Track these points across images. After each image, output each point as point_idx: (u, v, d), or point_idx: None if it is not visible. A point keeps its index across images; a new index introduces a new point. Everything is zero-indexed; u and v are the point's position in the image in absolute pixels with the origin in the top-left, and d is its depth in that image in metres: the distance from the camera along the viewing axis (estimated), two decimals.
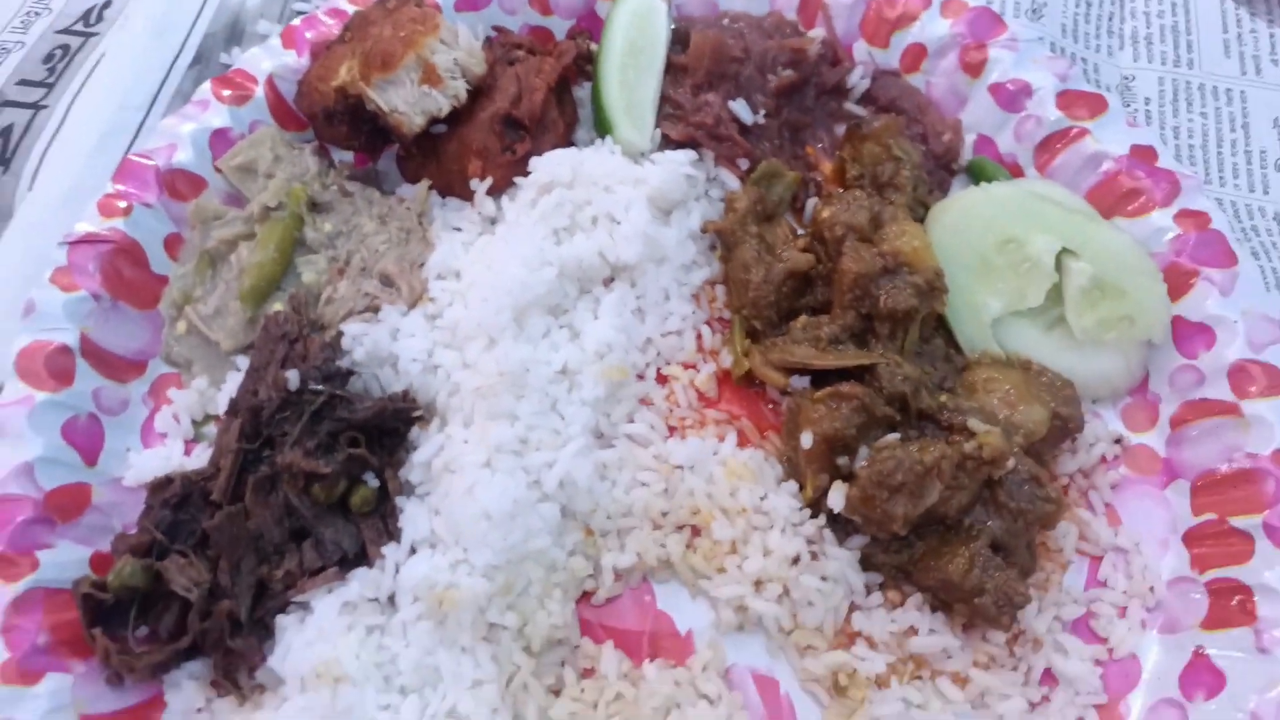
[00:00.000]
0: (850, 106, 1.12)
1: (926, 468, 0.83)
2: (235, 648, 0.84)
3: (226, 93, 1.05)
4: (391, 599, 0.85)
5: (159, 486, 0.88)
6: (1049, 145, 1.06)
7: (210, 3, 1.18)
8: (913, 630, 0.87)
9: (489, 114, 0.99)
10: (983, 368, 0.94)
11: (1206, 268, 0.97)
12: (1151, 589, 0.90)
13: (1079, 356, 0.96)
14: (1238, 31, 1.20)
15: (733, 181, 1.05)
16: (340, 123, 1.00)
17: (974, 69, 1.08)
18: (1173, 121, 1.15)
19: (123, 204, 0.98)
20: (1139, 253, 0.97)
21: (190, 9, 1.16)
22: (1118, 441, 0.96)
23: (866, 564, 0.89)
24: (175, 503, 0.87)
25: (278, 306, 0.94)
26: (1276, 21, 1.21)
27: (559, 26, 1.17)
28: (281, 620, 0.85)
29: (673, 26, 1.10)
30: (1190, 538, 0.91)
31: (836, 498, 0.86)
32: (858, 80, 1.11)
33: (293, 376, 0.86)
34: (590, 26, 1.15)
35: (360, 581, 0.85)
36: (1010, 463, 0.86)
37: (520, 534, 0.84)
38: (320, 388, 0.87)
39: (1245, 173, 1.11)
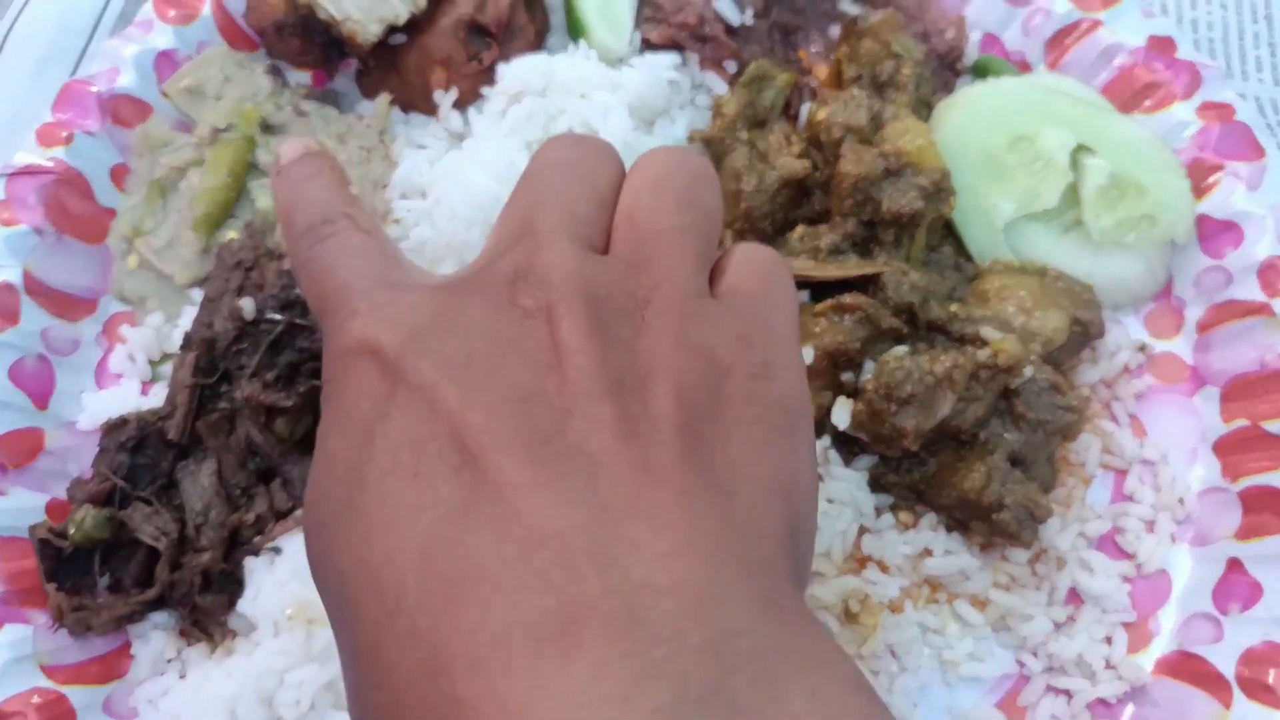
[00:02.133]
0: (845, 5, 1.04)
1: (938, 378, 0.77)
2: (205, 605, 0.79)
3: (171, 12, 0.98)
4: None
5: (113, 428, 0.82)
6: (1059, 40, 0.99)
7: None
8: (927, 552, 0.81)
9: (452, 20, 0.91)
10: (995, 275, 0.88)
11: (1232, 161, 0.90)
12: (1181, 501, 0.84)
13: (1098, 260, 0.90)
14: None
15: (720, 86, 0.97)
16: (292, 36, 0.92)
17: None
18: (1191, 14, 1.07)
19: (64, 133, 0.91)
20: (1160, 147, 0.90)
21: None
22: (1141, 349, 0.90)
23: (876, 485, 0.83)
24: (132, 445, 0.81)
25: (232, 234, 0.87)
26: None
27: None
28: (250, 562, 0.79)
29: None
30: (1220, 446, 0.85)
31: (841, 415, 0.79)
32: None
33: (247, 305, 0.80)
34: None
35: None
36: (1028, 370, 0.80)
37: None
38: (278, 316, 0.80)
39: (1270, 66, 1.04)
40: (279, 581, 0.77)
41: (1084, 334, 0.85)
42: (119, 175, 0.94)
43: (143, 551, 0.79)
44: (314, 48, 0.94)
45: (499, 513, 0.33)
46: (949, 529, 0.82)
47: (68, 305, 0.89)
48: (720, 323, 0.40)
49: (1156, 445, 0.86)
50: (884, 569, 0.80)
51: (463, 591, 0.31)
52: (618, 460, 0.34)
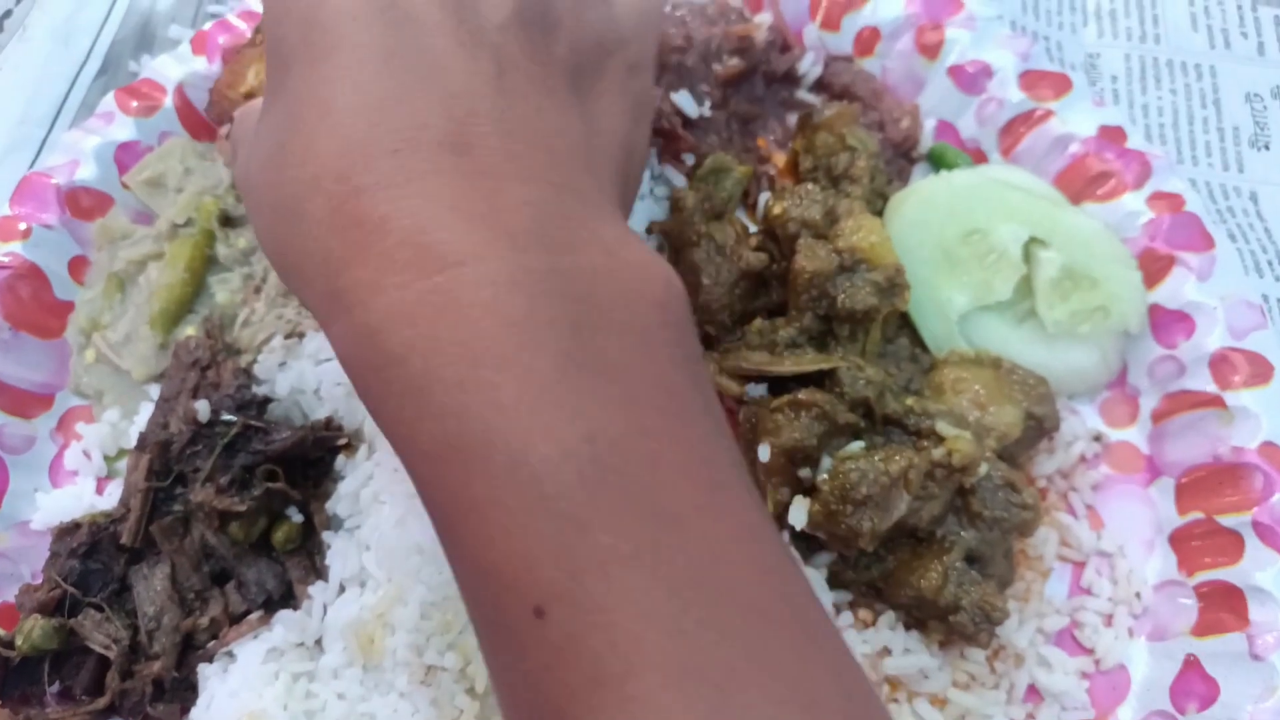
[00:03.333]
0: (802, 95, 1.06)
1: (893, 478, 0.77)
2: (157, 715, 0.78)
3: (133, 104, 0.98)
4: (320, 642, 0.79)
5: (65, 533, 0.81)
6: (1013, 128, 1.00)
7: (118, 7, 1.10)
8: (886, 651, 0.81)
9: None
10: (951, 367, 0.88)
11: (1182, 252, 0.91)
12: (1138, 594, 0.84)
13: (1052, 350, 0.91)
14: (1204, 4, 1.15)
15: (678, 179, 0.98)
16: None
17: (930, 50, 1.02)
18: (1141, 100, 1.09)
19: (22, 226, 0.91)
20: (1110, 239, 0.91)
21: (97, 15, 1.08)
22: (1097, 439, 0.91)
23: (834, 581, 0.83)
24: (84, 551, 0.80)
25: (190, 330, 0.87)
26: None
27: None
28: (204, 670, 0.78)
29: None
30: (1177, 538, 0.85)
31: (798, 514, 0.79)
32: (809, 67, 1.05)
33: (202, 407, 0.80)
34: None
35: (285, 625, 0.78)
36: (983, 468, 0.80)
37: None
38: (233, 418, 0.80)
39: (1219, 150, 1.06)
40: (232, 690, 0.76)
41: (1038, 428, 0.85)
42: (77, 268, 0.94)
43: (93, 659, 0.78)
44: None
45: (424, 61, 0.44)
46: (907, 627, 0.82)
47: (23, 402, 0.89)
48: (612, 15, 0.55)
49: (1113, 537, 0.87)
50: None
51: (383, 108, 0.43)
52: (524, 66, 0.47)
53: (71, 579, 0.79)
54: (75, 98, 1.05)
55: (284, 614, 0.79)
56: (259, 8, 1.04)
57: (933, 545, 0.80)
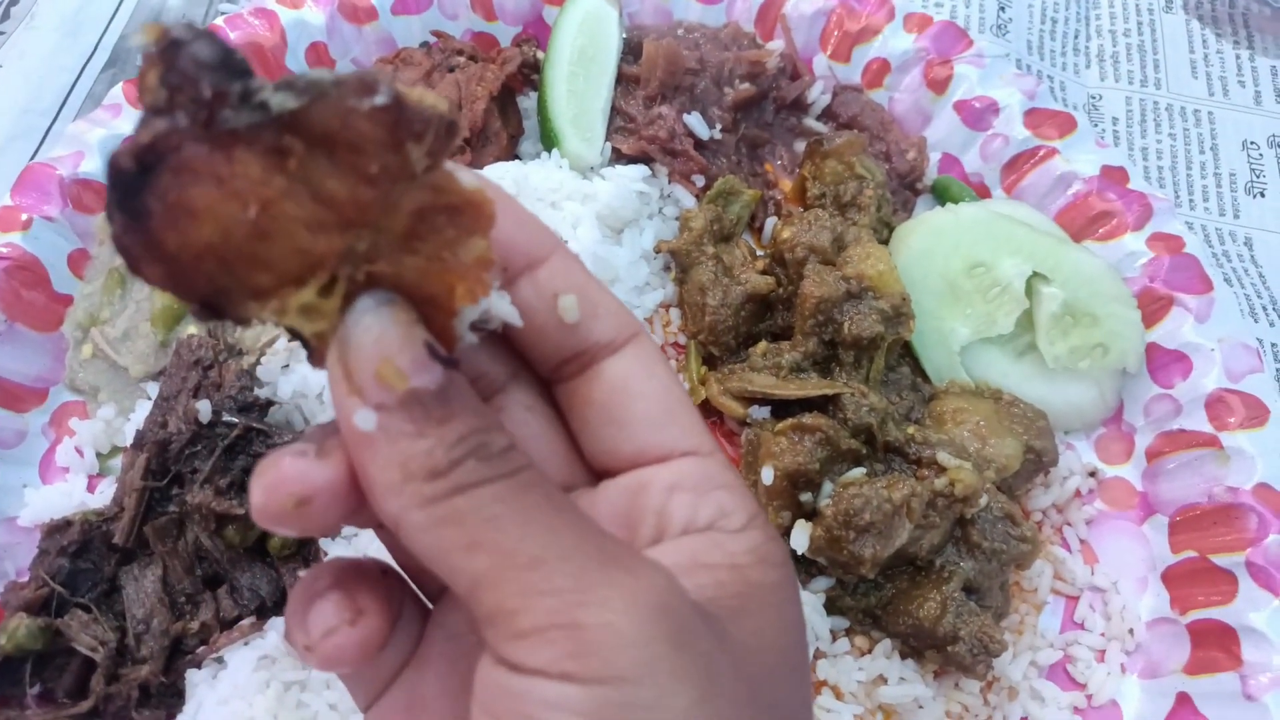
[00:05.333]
0: (810, 122, 1.07)
1: (895, 506, 0.77)
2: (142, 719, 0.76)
3: None
4: None
5: (55, 530, 0.79)
6: (1016, 165, 1.02)
7: (128, 2, 1.09)
8: (882, 679, 0.81)
9: None
10: (951, 397, 0.89)
11: (1181, 293, 0.93)
12: (1131, 631, 0.85)
13: (1051, 385, 0.92)
14: (1204, 52, 1.17)
15: (688, 199, 0.99)
16: None
17: (939, 85, 1.04)
18: (1141, 142, 1.11)
19: (23, 217, 0.90)
20: (1112, 278, 0.93)
21: (106, 8, 1.07)
22: (1092, 474, 0.92)
23: (832, 608, 0.83)
24: (74, 550, 0.78)
25: (191, 330, 0.86)
26: (1242, 43, 1.18)
27: (504, 33, 1.11)
28: (193, 676, 0.77)
29: (624, 36, 1.04)
30: (1170, 576, 0.86)
31: (800, 539, 0.79)
32: (818, 95, 1.06)
33: (204, 407, 0.78)
34: (537, 33, 1.09)
35: (278, 632, 0.77)
36: (983, 500, 0.81)
37: None
38: (235, 420, 0.79)
39: (1215, 196, 1.08)
40: (221, 697, 0.74)
41: (1037, 462, 0.86)
42: (77, 262, 0.93)
43: (78, 661, 0.77)
44: None
45: None
46: (903, 655, 0.82)
47: (15, 396, 0.87)
48: None
49: (1107, 572, 0.87)
50: (839, 695, 0.80)
51: None
52: None
53: (60, 578, 0.77)
54: (81, 89, 1.04)
55: (277, 621, 0.77)
56: (271, 5, 1.03)
57: (931, 574, 0.80)
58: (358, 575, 0.37)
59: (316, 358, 0.33)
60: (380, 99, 0.29)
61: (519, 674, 0.31)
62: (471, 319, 0.34)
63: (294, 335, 0.33)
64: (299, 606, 0.36)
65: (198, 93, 0.28)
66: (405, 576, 0.40)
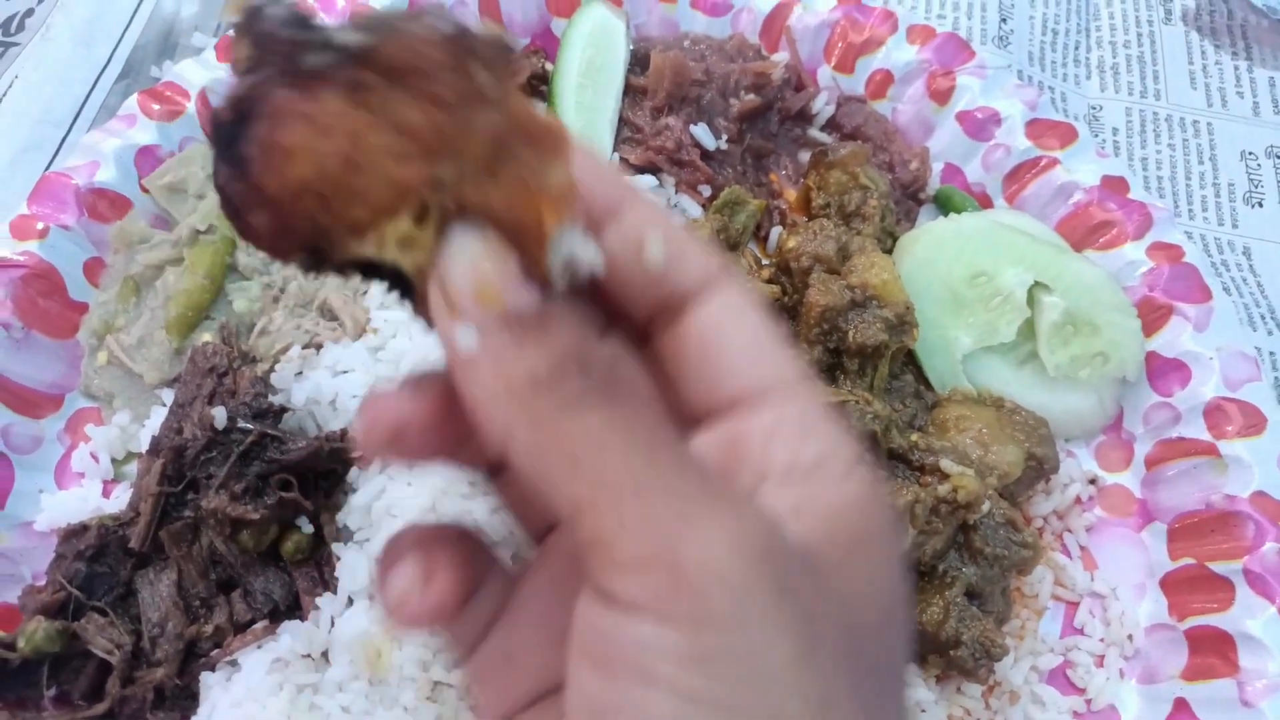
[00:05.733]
0: (815, 133, 1.08)
1: (899, 512, 0.79)
2: None
3: (156, 107, 0.98)
4: (326, 655, 0.79)
5: (72, 534, 0.81)
6: (1018, 175, 1.03)
7: (141, 13, 1.11)
8: None
9: None
10: (954, 405, 0.90)
11: (1180, 303, 0.94)
12: (1130, 636, 0.86)
13: (1051, 393, 0.93)
14: (1203, 63, 1.19)
15: (694, 209, 1.00)
16: None
17: (941, 96, 1.05)
18: (1140, 153, 1.12)
19: (39, 225, 0.91)
20: (1112, 287, 0.94)
21: (120, 19, 1.09)
22: (1092, 482, 0.93)
23: None
24: (90, 554, 0.80)
25: (206, 337, 0.87)
26: (1241, 54, 1.20)
27: (513, 45, 1.12)
28: (206, 678, 0.78)
29: (631, 48, 1.06)
30: (1168, 583, 0.87)
31: None
32: (822, 106, 1.08)
33: (219, 414, 0.80)
34: (546, 45, 1.10)
35: (292, 636, 0.78)
36: (986, 506, 0.82)
37: None
38: (250, 426, 0.80)
39: (1214, 206, 1.09)
40: (235, 700, 0.76)
41: (1038, 469, 0.87)
42: (93, 270, 0.94)
43: (94, 664, 0.78)
44: None
45: None
46: None
47: (31, 402, 0.89)
48: None
49: (1106, 579, 0.89)
50: None
51: None
52: None
53: (76, 582, 0.79)
54: (95, 100, 1.05)
55: (290, 624, 0.79)
56: None
57: (934, 580, 0.82)
58: (435, 539, 0.39)
59: (419, 300, 0.34)
60: (445, 27, 0.31)
61: (615, 609, 0.31)
62: (561, 256, 0.34)
63: (394, 284, 0.34)
64: (381, 572, 0.38)
65: (280, 44, 0.30)
66: (486, 537, 0.41)
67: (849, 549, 0.35)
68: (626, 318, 0.39)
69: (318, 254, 0.33)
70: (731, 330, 0.38)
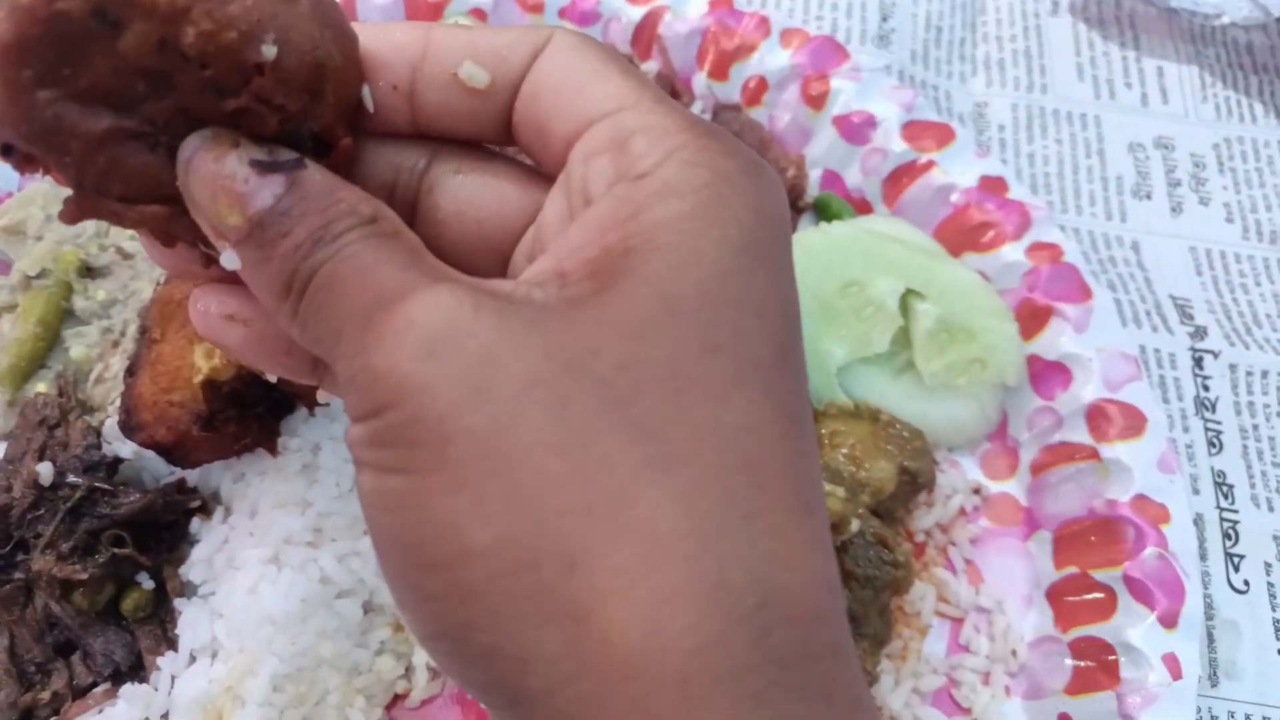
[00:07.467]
0: None
1: None
2: None
3: None
4: (166, 718, 0.75)
5: None
6: (896, 179, 1.01)
7: None
8: None
9: None
10: (829, 419, 0.88)
11: (1060, 303, 0.92)
12: (1014, 651, 0.83)
13: (930, 402, 0.91)
14: (1090, 55, 1.17)
15: None
16: (225, 420, 0.75)
17: (816, 101, 1.03)
18: (1028, 149, 1.10)
19: None
20: (986, 291, 0.92)
21: None
22: (976, 491, 0.91)
23: None
24: None
25: (41, 387, 0.83)
26: (1129, 44, 1.18)
27: None
28: None
29: None
30: (1053, 593, 0.85)
31: None
32: (698, 114, 1.05)
33: (45, 470, 0.76)
34: None
35: (129, 701, 0.74)
36: (854, 525, 0.80)
37: (312, 637, 0.74)
38: (79, 480, 0.76)
39: (1102, 200, 1.07)
40: None
41: (913, 483, 0.85)
42: None
43: None
44: (253, 416, 0.78)
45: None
46: None
47: None
48: None
49: (991, 592, 0.86)
50: None
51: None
52: None
53: None
54: None
55: (128, 688, 0.75)
56: None
57: None
58: None
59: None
60: None
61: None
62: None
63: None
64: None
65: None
66: None
67: (631, 255, 0.33)
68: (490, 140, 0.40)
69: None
70: (565, 73, 0.37)
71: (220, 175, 0.33)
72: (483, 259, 0.40)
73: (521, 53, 0.37)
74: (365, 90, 0.38)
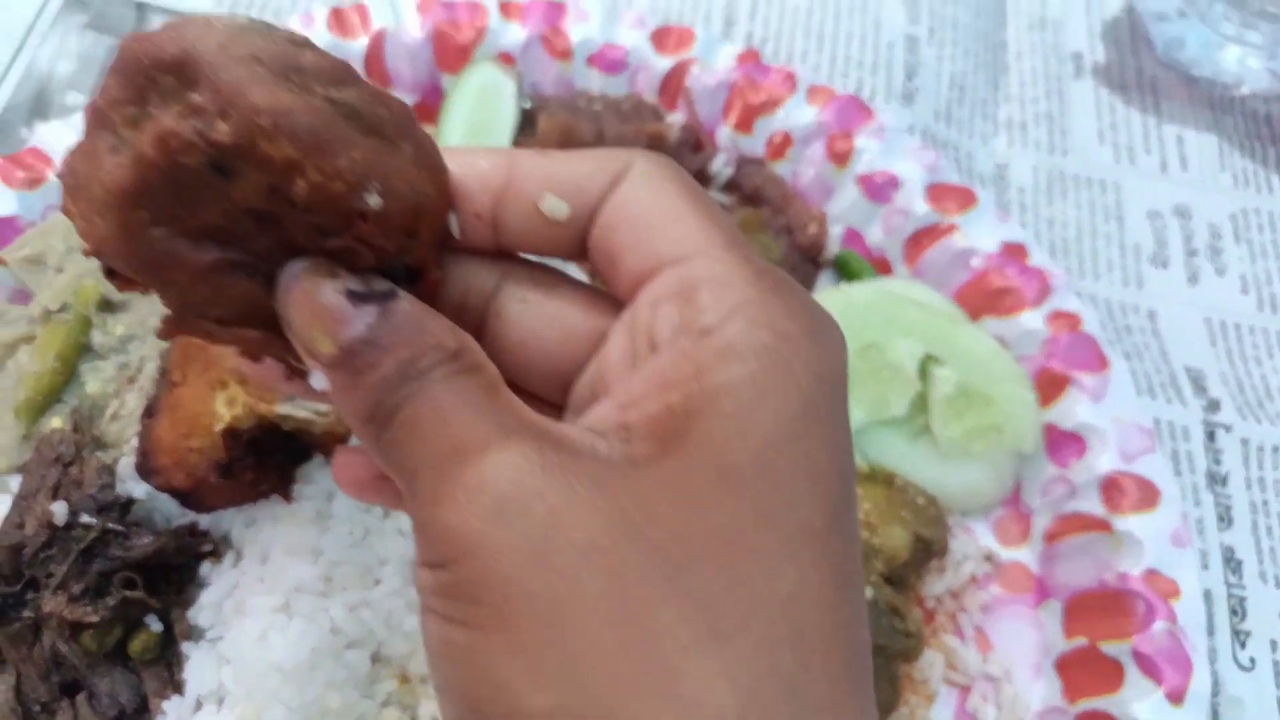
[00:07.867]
0: (714, 194, 1.05)
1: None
2: None
3: (18, 174, 0.94)
4: None
5: None
6: (918, 240, 1.01)
7: (14, 70, 1.07)
8: None
9: None
10: None
11: (1077, 372, 0.92)
12: None
13: (946, 468, 0.90)
14: (1111, 119, 1.18)
15: (584, 277, 0.97)
16: (243, 468, 0.75)
17: (840, 158, 1.03)
18: (1047, 212, 1.11)
19: None
20: (1005, 358, 0.92)
21: None
22: (988, 559, 0.90)
23: None
24: None
25: (56, 422, 0.83)
26: (1150, 110, 1.19)
27: None
28: None
29: (525, 106, 1.03)
30: (1062, 664, 0.85)
31: None
32: (721, 168, 1.05)
33: (59, 509, 0.75)
34: (434, 102, 1.07)
35: None
36: (869, 593, 0.79)
37: (319, 687, 0.74)
38: (92, 520, 0.76)
39: (1120, 267, 1.08)
40: None
41: (926, 550, 0.85)
42: None
43: None
44: (272, 465, 0.79)
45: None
46: None
47: None
48: None
49: (1000, 660, 0.86)
50: None
51: None
52: None
53: None
54: None
55: None
56: None
57: None
58: None
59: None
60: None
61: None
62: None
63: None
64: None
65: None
66: None
67: (692, 417, 0.34)
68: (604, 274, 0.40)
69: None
70: (642, 207, 0.38)
71: (317, 303, 0.35)
72: (547, 381, 0.42)
73: (601, 181, 0.39)
74: (452, 218, 0.39)
